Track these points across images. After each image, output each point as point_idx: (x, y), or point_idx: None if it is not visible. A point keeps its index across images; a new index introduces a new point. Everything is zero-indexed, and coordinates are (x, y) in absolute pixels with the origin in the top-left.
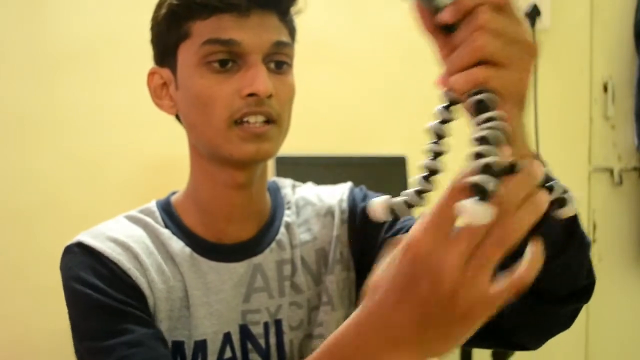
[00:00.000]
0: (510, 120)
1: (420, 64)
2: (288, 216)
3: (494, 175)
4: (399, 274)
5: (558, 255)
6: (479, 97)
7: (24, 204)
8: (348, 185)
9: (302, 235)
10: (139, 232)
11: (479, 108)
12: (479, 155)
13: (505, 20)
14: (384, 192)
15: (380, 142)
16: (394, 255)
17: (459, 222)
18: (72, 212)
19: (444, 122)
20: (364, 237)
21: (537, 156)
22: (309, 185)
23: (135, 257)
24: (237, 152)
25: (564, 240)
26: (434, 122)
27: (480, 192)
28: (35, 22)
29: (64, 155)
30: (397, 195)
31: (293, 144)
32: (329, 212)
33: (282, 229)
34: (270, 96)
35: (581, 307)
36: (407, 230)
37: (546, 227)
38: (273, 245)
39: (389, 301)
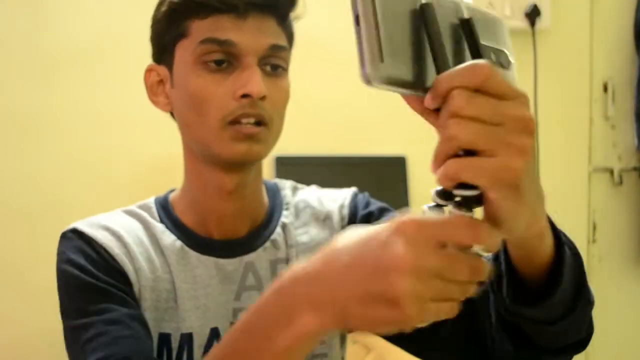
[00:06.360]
0: (498, 208)
1: None
2: (285, 217)
3: None
4: (372, 237)
5: (566, 315)
6: (433, 205)
7: (24, 204)
8: (351, 191)
9: (300, 237)
10: (134, 225)
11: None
12: None
13: (484, 102)
14: (384, 192)
15: (380, 142)
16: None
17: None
18: (72, 212)
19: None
20: None
21: (550, 224)
22: (312, 188)
23: (124, 245)
24: (226, 152)
25: (573, 301)
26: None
27: None
28: (35, 22)
29: (64, 156)
30: (397, 196)
31: (293, 144)
32: (328, 217)
33: (278, 229)
34: (263, 98)
35: (573, 356)
36: None
37: (559, 293)
38: (267, 244)
39: (342, 260)
